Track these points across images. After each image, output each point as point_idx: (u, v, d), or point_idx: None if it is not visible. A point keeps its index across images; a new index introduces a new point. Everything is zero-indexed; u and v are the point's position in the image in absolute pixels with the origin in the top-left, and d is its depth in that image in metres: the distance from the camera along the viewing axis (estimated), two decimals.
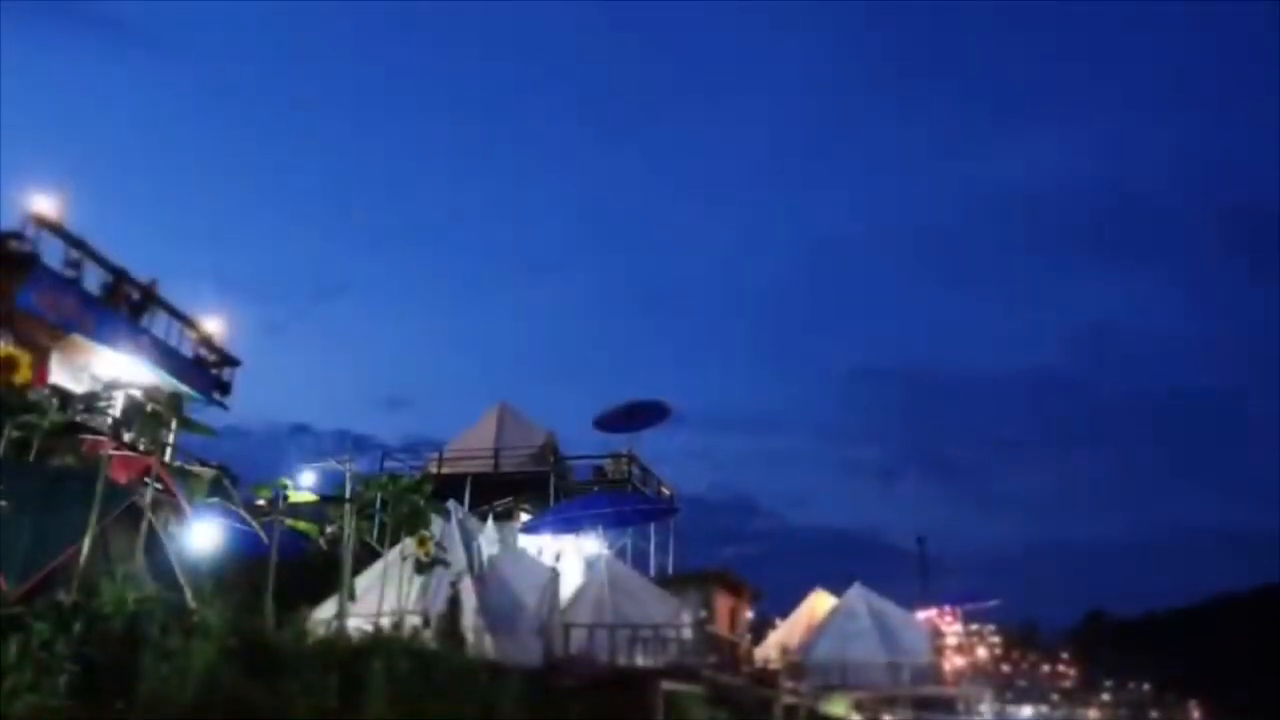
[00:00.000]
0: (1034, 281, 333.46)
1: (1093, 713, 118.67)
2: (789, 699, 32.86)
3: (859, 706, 38.61)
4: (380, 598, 21.13)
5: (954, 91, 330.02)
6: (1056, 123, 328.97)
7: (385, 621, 19.60)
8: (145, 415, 19.84)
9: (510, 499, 39.98)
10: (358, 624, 19.26)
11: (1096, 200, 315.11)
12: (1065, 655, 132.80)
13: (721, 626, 36.17)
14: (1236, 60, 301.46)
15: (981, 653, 61.61)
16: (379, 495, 22.07)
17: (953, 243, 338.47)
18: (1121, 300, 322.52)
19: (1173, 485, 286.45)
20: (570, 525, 33.64)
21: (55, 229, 22.61)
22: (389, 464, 39.75)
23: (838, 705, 37.46)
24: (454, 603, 22.28)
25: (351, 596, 20.46)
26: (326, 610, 20.37)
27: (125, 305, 24.80)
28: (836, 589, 43.13)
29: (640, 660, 26.19)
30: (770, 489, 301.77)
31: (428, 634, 20.15)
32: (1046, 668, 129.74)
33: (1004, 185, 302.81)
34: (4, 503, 13.87)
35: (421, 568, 21.65)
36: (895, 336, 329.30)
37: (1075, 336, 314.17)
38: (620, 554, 37.27)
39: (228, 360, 28.15)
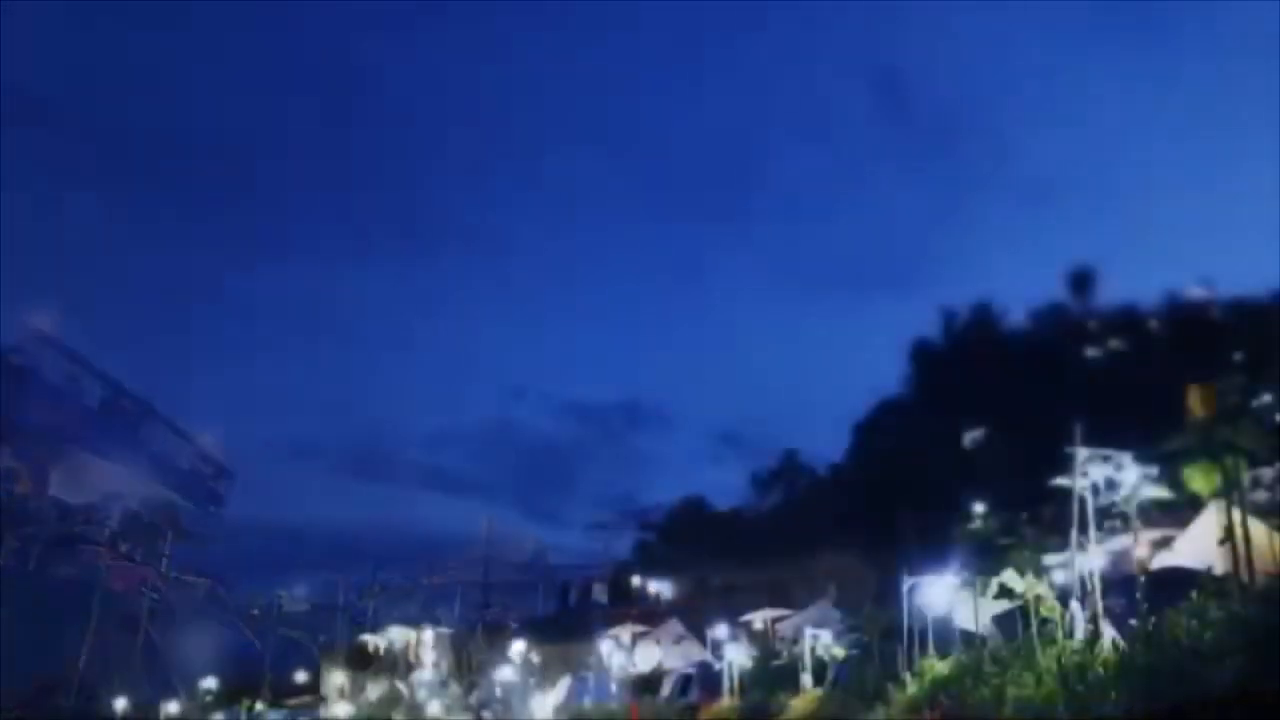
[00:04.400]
0: None
1: None
2: None
3: None
4: None
5: None
6: None
7: None
8: (142, 526, 20.13)
9: (499, 607, 40.05)
10: None
11: None
12: None
13: None
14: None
15: None
16: (371, 604, 22.23)
17: None
18: None
19: None
20: None
21: (55, 346, 23.16)
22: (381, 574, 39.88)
23: None
24: None
25: None
26: None
27: (123, 419, 25.21)
28: None
29: None
30: None
31: None
32: None
33: None
34: (5, 611, 14.10)
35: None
36: None
37: None
38: None
39: (222, 472, 28.46)
